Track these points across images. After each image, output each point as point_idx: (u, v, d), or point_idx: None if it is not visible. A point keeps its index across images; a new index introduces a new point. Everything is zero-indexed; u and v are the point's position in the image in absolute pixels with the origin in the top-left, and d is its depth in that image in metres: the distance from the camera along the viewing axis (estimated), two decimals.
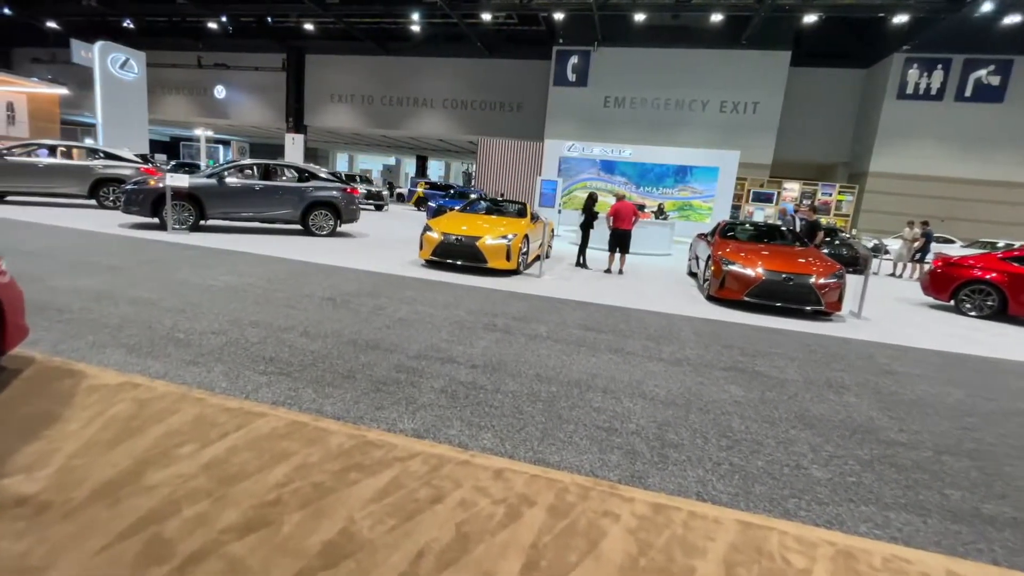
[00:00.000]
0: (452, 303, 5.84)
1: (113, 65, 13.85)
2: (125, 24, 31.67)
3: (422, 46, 29.23)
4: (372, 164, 48.09)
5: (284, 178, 11.13)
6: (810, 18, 20.10)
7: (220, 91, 33.34)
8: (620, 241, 9.14)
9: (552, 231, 10.12)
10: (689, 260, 10.04)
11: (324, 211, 10.56)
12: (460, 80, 29.31)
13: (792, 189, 21.22)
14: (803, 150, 24.20)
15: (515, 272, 8.08)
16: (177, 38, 33.06)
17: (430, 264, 8.24)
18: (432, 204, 15.88)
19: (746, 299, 6.74)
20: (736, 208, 20.97)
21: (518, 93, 28.48)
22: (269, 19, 28.26)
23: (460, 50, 28.62)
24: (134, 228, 9.40)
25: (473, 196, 16.72)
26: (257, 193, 9.94)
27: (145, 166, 12.40)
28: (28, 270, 5.39)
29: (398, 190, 29.48)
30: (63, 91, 22.12)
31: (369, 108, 31.25)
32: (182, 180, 9.05)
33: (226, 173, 9.88)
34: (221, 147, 40.99)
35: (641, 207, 12.67)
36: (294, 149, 29.18)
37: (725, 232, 8.34)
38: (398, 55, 30.15)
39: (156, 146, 41.27)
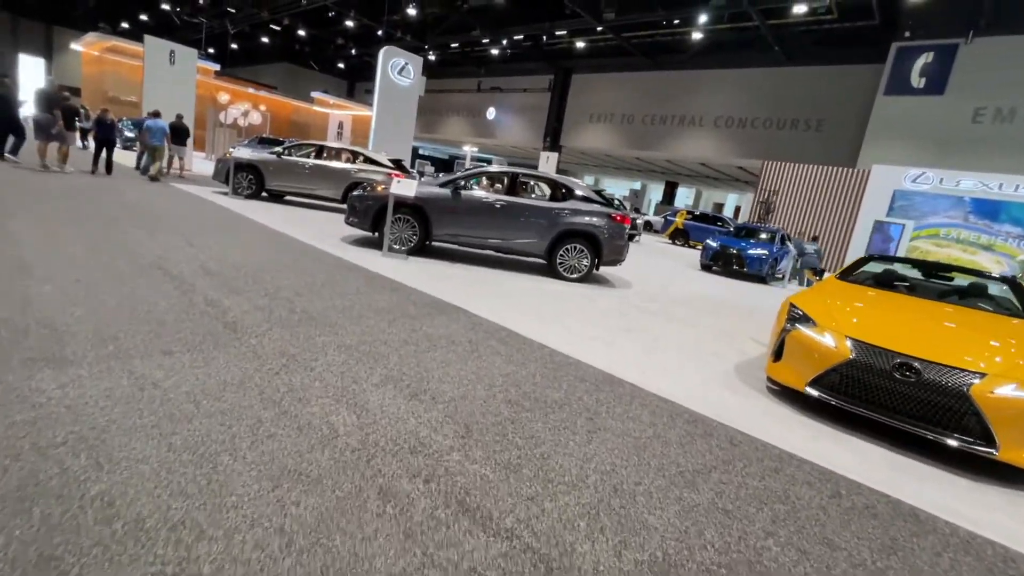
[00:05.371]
0: None
1: (393, 70, 12.91)
2: (431, 56, 34.71)
3: (699, 58, 24.44)
4: (616, 188, 44.88)
5: (533, 196, 7.88)
6: None
7: (491, 112, 34.11)
8: None
9: None
10: None
11: (579, 244, 6.90)
12: (741, 94, 23.54)
13: None
14: None
15: None
16: (465, 67, 34.99)
17: (790, 397, 3.66)
18: (713, 244, 11.04)
19: None
20: None
21: (820, 107, 21.39)
22: (544, 37, 26.99)
23: (747, 59, 22.93)
24: (355, 243, 7.17)
25: (806, 248, 11.24)
26: (497, 213, 6.79)
27: (396, 171, 10.72)
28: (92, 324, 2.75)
29: (645, 217, 25.12)
30: None
31: (628, 127, 27.78)
32: (408, 188, 6.37)
33: (463, 183, 6.98)
34: (485, 165, 42.86)
35: None
36: (547, 167, 27.46)
37: None
38: (669, 69, 25.95)
39: (438, 163, 45.35)
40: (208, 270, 4.46)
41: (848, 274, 4.54)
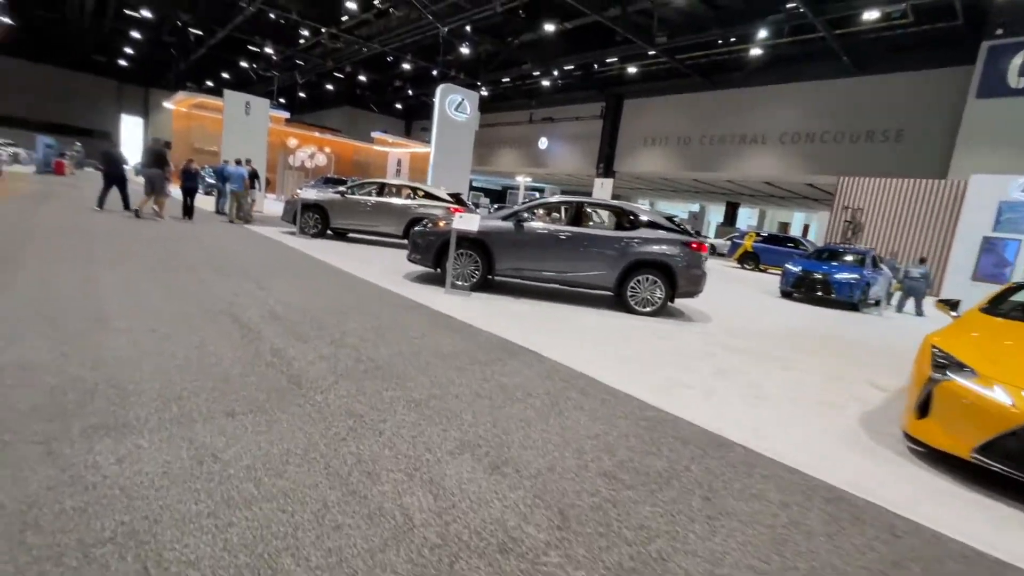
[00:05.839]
0: None
1: (450, 107, 13.10)
2: (483, 92, 35.60)
3: (759, 74, 23.49)
4: (673, 211, 43.65)
5: (600, 225, 7.53)
6: None
7: (543, 143, 34.34)
8: None
9: None
10: None
11: (651, 275, 6.40)
12: (808, 108, 22.30)
13: None
14: None
15: None
16: (517, 100, 35.63)
17: (941, 461, 2.97)
18: (793, 268, 10.12)
19: None
20: None
21: (899, 116, 19.81)
22: (595, 65, 27.01)
23: (812, 71, 21.77)
24: (417, 280, 7.04)
25: (912, 271, 10.16)
26: (562, 244, 6.46)
27: (455, 206, 10.69)
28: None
29: (708, 240, 24.00)
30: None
31: (684, 149, 26.99)
32: (471, 223, 6.18)
33: (525, 215, 6.72)
34: (537, 193, 43.10)
35: None
36: (602, 193, 27.08)
37: None
38: (726, 88, 25.10)
39: (492, 194, 46.04)
40: (275, 315, 4.37)
41: (996, 306, 3.79)
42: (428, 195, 11.05)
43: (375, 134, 33.72)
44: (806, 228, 38.96)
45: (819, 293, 9.61)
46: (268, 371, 3.10)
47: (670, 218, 6.80)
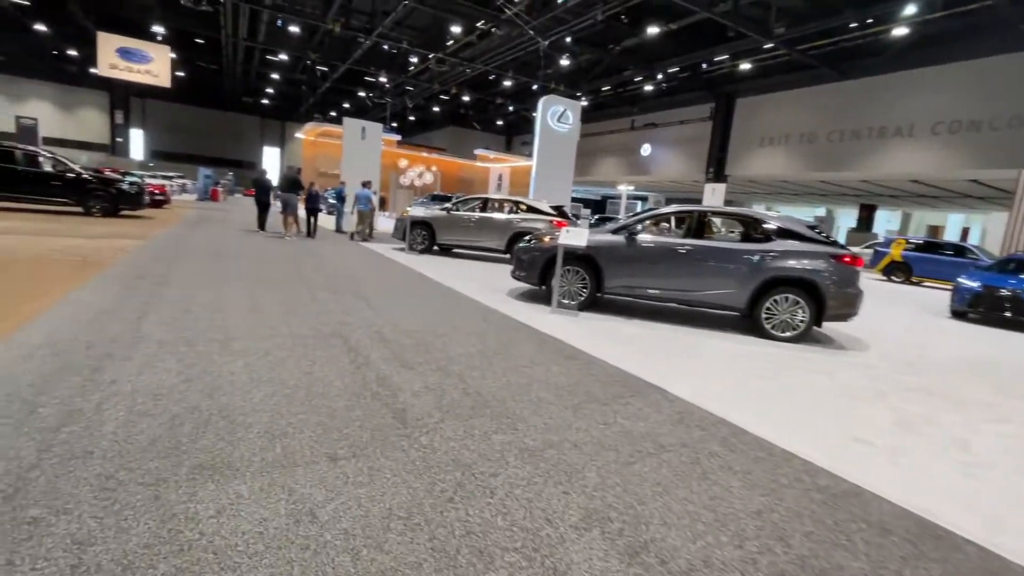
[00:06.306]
0: None
1: (552, 118, 12.85)
2: (583, 103, 35.13)
3: (902, 57, 20.32)
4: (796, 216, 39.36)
5: (721, 235, 6.70)
6: None
7: (646, 149, 32.94)
8: None
9: None
10: None
11: (792, 295, 5.45)
12: (971, 91, 18.81)
13: None
14: None
15: None
16: (618, 107, 34.64)
17: None
18: (970, 282, 8.25)
19: None
20: None
21: None
22: (703, 65, 25.29)
23: (974, 48, 18.36)
24: (520, 297, 6.74)
25: None
26: (682, 260, 5.76)
27: (558, 219, 10.34)
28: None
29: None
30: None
31: (809, 148, 24.19)
32: (578, 238, 5.74)
33: (638, 227, 6.12)
34: (639, 202, 41.57)
35: None
36: (713, 199, 25.19)
37: None
38: (860, 77, 22.09)
39: (591, 205, 45.23)
40: (383, 337, 4.26)
41: None
42: (530, 209, 10.81)
43: (478, 151, 34.80)
44: (965, 232, 33.09)
45: (1009, 314, 7.73)
46: (373, 404, 2.90)
47: (813, 226, 5.77)
